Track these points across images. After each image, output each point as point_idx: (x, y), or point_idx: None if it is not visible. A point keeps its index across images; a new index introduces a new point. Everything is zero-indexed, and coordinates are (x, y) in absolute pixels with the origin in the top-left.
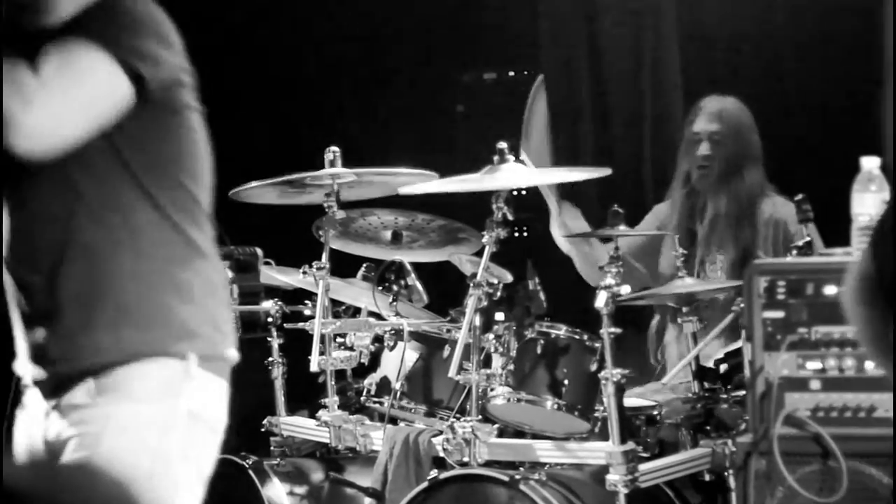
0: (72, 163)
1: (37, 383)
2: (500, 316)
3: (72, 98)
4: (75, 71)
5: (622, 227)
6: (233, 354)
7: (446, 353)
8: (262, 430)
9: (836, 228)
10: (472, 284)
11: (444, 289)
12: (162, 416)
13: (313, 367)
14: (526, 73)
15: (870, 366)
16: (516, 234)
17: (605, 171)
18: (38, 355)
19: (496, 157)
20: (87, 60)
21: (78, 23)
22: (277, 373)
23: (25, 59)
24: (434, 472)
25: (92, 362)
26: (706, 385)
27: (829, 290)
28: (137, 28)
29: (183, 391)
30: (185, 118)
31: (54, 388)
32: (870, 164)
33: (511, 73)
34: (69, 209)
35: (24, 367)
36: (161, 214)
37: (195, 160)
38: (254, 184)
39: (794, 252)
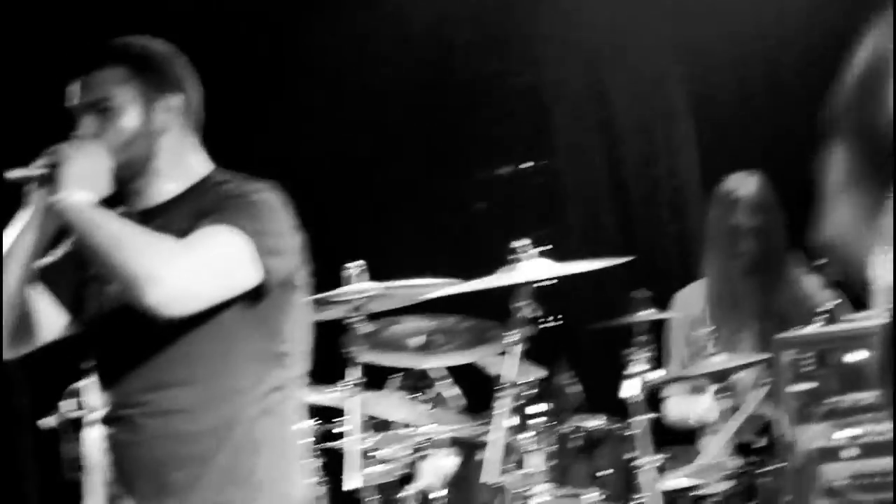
0: (197, 328)
1: None
2: (536, 410)
3: (211, 266)
4: (219, 245)
5: (649, 312)
6: None
7: (484, 456)
8: None
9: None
10: (503, 385)
11: (478, 390)
12: None
13: (348, 485)
14: (541, 163)
15: None
16: (546, 326)
17: (626, 259)
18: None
19: (513, 256)
20: (230, 239)
21: (221, 210)
22: (320, 493)
23: None
24: None
25: None
26: (746, 459)
27: (856, 356)
28: (273, 228)
29: None
30: (294, 298)
31: None
32: (888, 223)
33: (526, 166)
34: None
35: None
36: (266, 385)
37: (297, 332)
38: None
39: (820, 319)
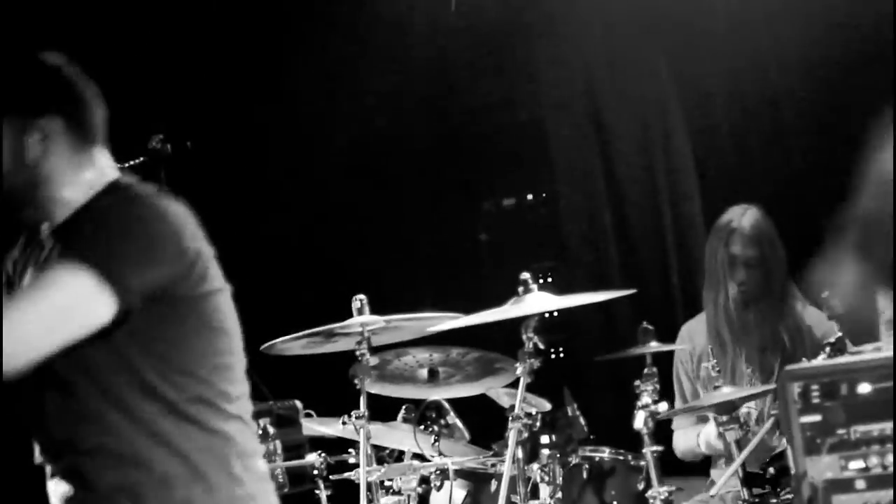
0: (69, 366)
1: None
2: (544, 442)
3: (42, 317)
4: (49, 291)
5: (654, 344)
6: None
7: (493, 487)
8: None
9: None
10: (510, 417)
11: (486, 422)
12: None
13: None
14: (544, 195)
15: None
16: (551, 358)
17: (629, 291)
18: None
19: (520, 288)
20: (64, 280)
21: (69, 240)
22: None
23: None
24: None
25: None
26: (755, 491)
27: (863, 388)
28: (128, 247)
29: None
30: (188, 310)
31: None
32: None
33: (529, 197)
34: (72, 411)
35: None
36: (169, 407)
37: (203, 345)
38: (283, 338)
39: (827, 350)
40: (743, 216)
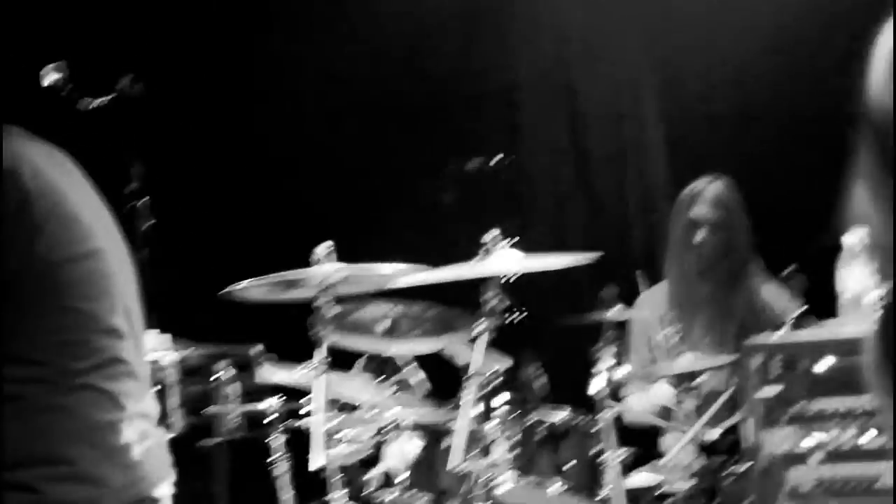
0: None
1: None
2: (501, 400)
3: None
4: None
5: (615, 309)
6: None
7: (448, 443)
8: None
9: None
10: (468, 374)
11: (444, 378)
12: None
13: (313, 465)
14: (513, 156)
15: (869, 437)
16: (512, 318)
17: (593, 256)
18: None
19: (484, 249)
20: None
21: None
22: (282, 470)
23: None
24: None
25: None
26: (710, 460)
27: (824, 363)
28: None
29: None
30: (47, 281)
31: None
32: (852, 239)
33: (497, 159)
34: None
35: None
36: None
37: (68, 305)
38: (244, 283)
39: (789, 325)
40: (709, 184)
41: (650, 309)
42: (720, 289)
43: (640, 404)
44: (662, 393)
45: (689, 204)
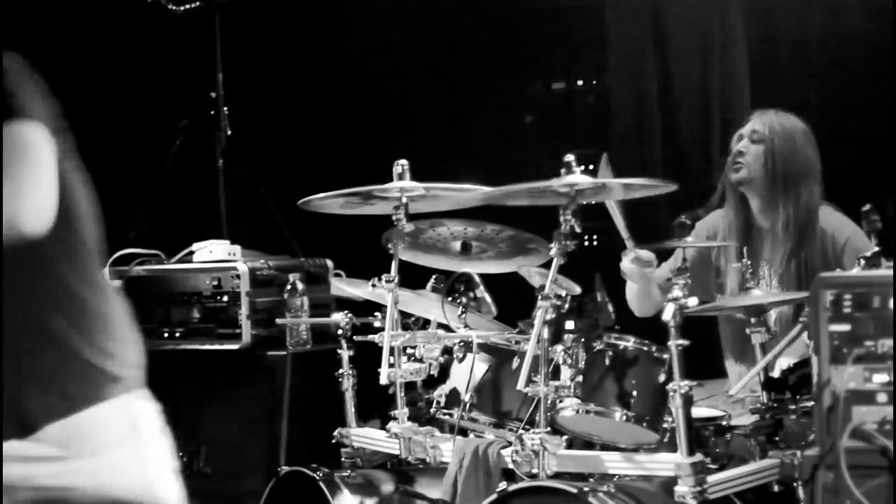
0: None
1: None
2: (569, 327)
3: (39, 176)
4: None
5: (689, 239)
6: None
7: (515, 364)
8: (333, 441)
9: None
10: (540, 296)
11: (513, 300)
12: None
13: (383, 380)
14: (594, 82)
15: None
16: (584, 245)
17: (671, 187)
18: None
19: (563, 170)
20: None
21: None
22: (348, 384)
23: None
24: (503, 484)
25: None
26: (774, 396)
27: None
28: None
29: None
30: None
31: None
32: None
33: (579, 83)
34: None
35: None
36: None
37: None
38: (321, 195)
39: (862, 262)
40: (762, 116)
41: (711, 233)
42: (785, 221)
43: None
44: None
45: (738, 139)
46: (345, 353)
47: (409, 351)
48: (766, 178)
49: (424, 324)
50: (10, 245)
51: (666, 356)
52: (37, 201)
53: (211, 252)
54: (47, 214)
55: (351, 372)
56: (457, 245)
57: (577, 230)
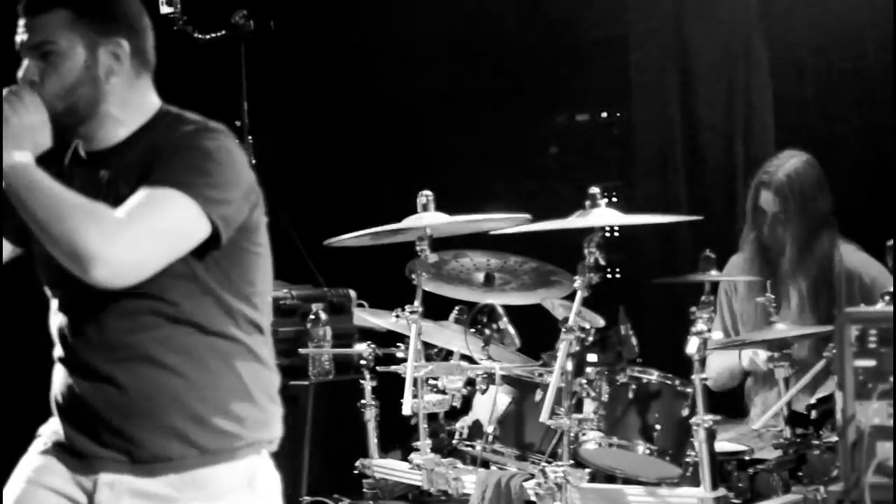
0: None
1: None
2: (592, 360)
3: (155, 235)
4: (161, 212)
5: (714, 272)
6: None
7: (538, 396)
8: (355, 472)
9: None
10: (563, 329)
11: (537, 332)
12: None
13: (406, 411)
14: (618, 115)
15: None
16: (608, 277)
17: (694, 217)
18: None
19: (588, 202)
20: (173, 203)
21: (166, 165)
22: (370, 415)
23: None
24: None
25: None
26: (798, 430)
27: None
28: (222, 178)
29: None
30: (252, 239)
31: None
32: None
33: (604, 115)
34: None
35: None
36: (233, 324)
37: (258, 272)
38: (351, 235)
39: (886, 298)
40: (781, 167)
41: (736, 273)
42: (806, 269)
43: (728, 361)
44: (758, 357)
45: (757, 189)
46: (367, 384)
47: (432, 382)
48: (787, 231)
49: (447, 355)
50: None
51: (689, 390)
52: (128, 253)
53: None
54: (133, 272)
55: (373, 402)
56: (480, 276)
57: (601, 262)
